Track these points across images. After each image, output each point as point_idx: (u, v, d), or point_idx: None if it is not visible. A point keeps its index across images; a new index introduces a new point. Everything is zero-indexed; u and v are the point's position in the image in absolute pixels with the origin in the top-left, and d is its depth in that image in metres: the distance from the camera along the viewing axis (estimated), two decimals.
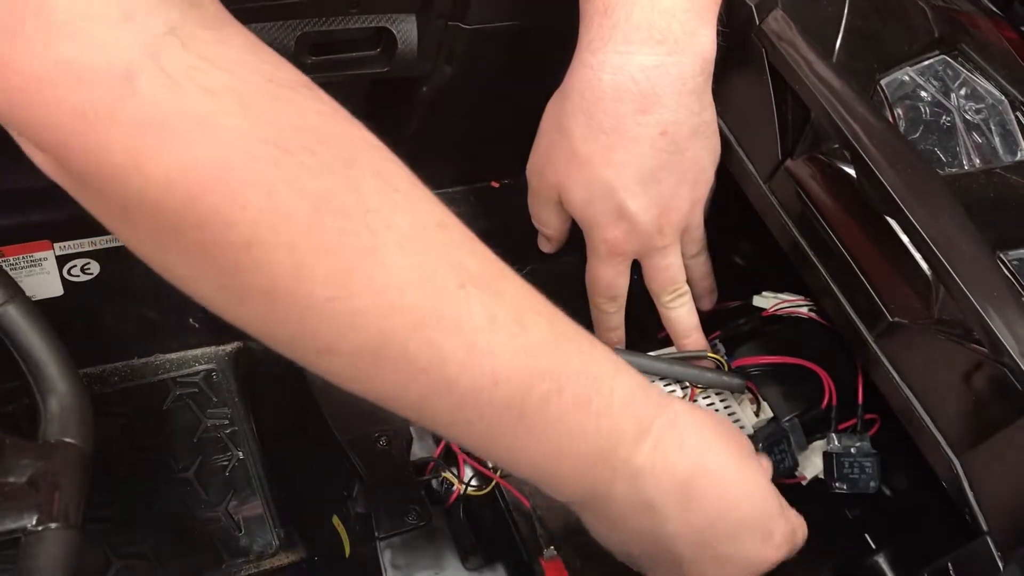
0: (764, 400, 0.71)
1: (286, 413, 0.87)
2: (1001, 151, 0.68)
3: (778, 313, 0.72)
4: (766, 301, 0.73)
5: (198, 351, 0.97)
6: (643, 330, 0.76)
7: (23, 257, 0.84)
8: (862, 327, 0.61)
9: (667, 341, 0.74)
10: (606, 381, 0.50)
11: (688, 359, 0.71)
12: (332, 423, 0.69)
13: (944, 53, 0.70)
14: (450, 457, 0.69)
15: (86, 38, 0.37)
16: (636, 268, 0.71)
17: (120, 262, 0.88)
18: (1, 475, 0.50)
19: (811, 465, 0.70)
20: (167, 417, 0.92)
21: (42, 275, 0.85)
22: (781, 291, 0.73)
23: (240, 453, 0.91)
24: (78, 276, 0.87)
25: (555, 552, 0.65)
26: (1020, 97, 0.69)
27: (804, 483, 0.70)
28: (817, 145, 0.64)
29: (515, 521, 0.67)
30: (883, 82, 0.67)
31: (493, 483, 0.67)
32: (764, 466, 0.60)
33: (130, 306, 0.92)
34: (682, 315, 0.72)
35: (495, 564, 0.67)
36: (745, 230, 0.76)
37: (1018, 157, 0.67)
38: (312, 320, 0.42)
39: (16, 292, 0.57)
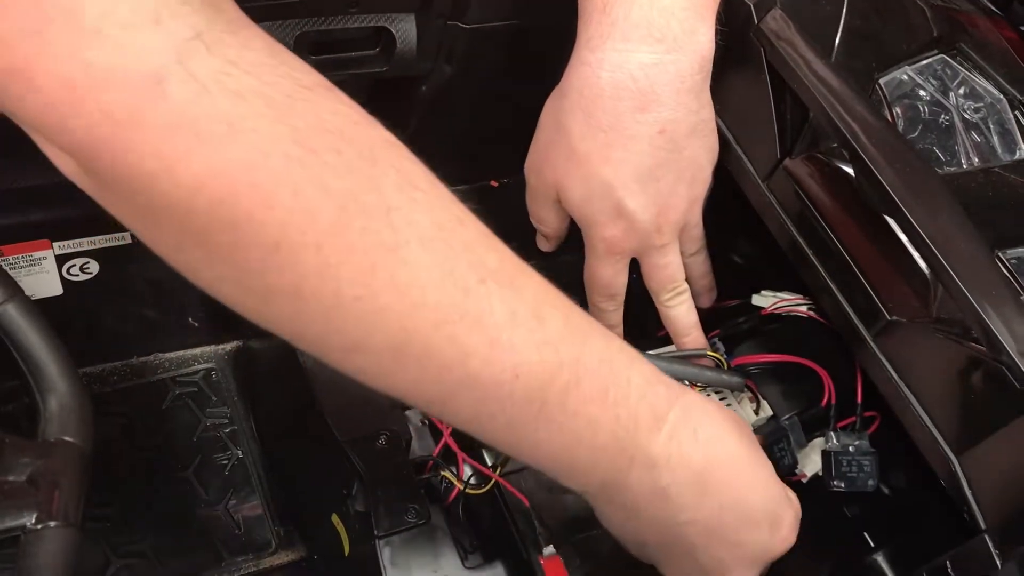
0: (764, 398, 0.71)
1: (285, 412, 0.87)
2: (1000, 150, 0.68)
3: (777, 312, 0.72)
4: (765, 300, 0.73)
5: (197, 350, 0.97)
6: (642, 329, 0.76)
7: (22, 256, 0.84)
8: (860, 326, 0.61)
9: (666, 340, 0.74)
10: (623, 372, 0.51)
11: (688, 357, 0.71)
12: (331, 422, 0.69)
13: (943, 52, 0.70)
14: (449, 456, 0.69)
15: (115, 42, 0.37)
16: (635, 267, 0.71)
17: (119, 262, 0.88)
18: (1, 473, 0.50)
19: (811, 463, 0.70)
20: (166, 416, 0.92)
21: (41, 274, 0.85)
22: (780, 290, 0.73)
23: (239, 452, 0.91)
24: (77, 275, 0.87)
25: (554, 550, 0.65)
26: (1019, 96, 0.69)
27: (804, 481, 0.70)
28: (816, 144, 0.64)
29: (514, 519, 0.67)
30: (882, 81, 0.67)
31: (492, 482, 0.67)
32: None
33: (129, 306, 0.92)
34: (681, 313, 0.72)
35: (494, 562, 0.67)
36: (744, 229, 0.76)
37: (1016, 156, 0.67)
38: (338, 319, 0.43)
39: (15, 291, 0.57)
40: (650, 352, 0.71)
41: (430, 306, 0.43)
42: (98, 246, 0.86)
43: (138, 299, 0.92)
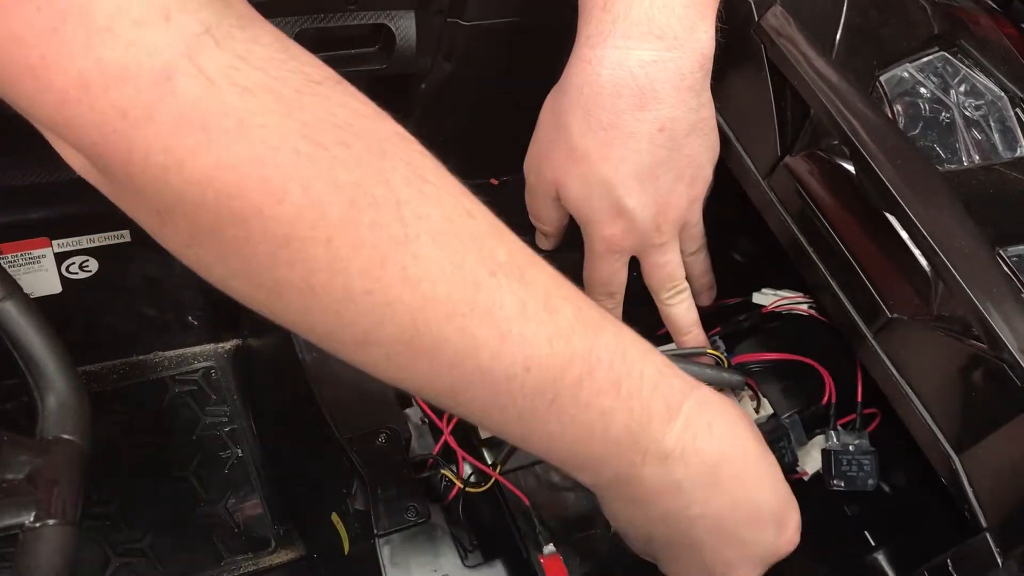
0: (764, 396, 0.71)
1: (285, 411, 0.86)
2: (1000, 147, 0.68)
3: (777, 310, 0.72)
4: (765, 298, 0.73)
5: (197, 349, 0.98)
6: (641, 327, 0.76)
7: (21, 254, 0.84)
8: (861, 324, 0.61)
9: (667, 338, 0.74)
10: (636, 364, 0.50)
11: (689, 356, 0.71)
12: (331, 420, 0.69)
13: (943, 49, 0.70)
14: (449, 454, 0.69)
15: (127, 39, 0.37)
16: (635, 265, 0.71)
17: (119, 260, 0.88)
18: None
19: (812, 461, 0.70)
20: (166, 415, 0.93)
21: (40, 272, 0.85)
22: (780, 288, 0.73)
23: (239, 451, 0.91)
24: (76, 273, 0.87)
25: (554, 549, 0.65)
26: (1020, 94, 0.69)
27: (806, 479, 0.70)
28: (816, 142, 0.64)
29: (514, 518, 0.67)
30: (882, 78, 0.66)
31: (492, 480, 0.67)
32: None
33: (129, 304, 0.92)
34: (681, 312, 0.72)
35: (494, 561, 0.67)
36: (744, 227, 0.76)
37: (1017, 153, 0.67)
38: (349, 312, 0.43)
39: (14, 289, 0.57)
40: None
41: (440, 299, 0.43)
42: (97, 244, 0.86)
43: (137, 297, 0.92)
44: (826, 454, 0.68)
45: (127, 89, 0.38)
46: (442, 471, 0.67)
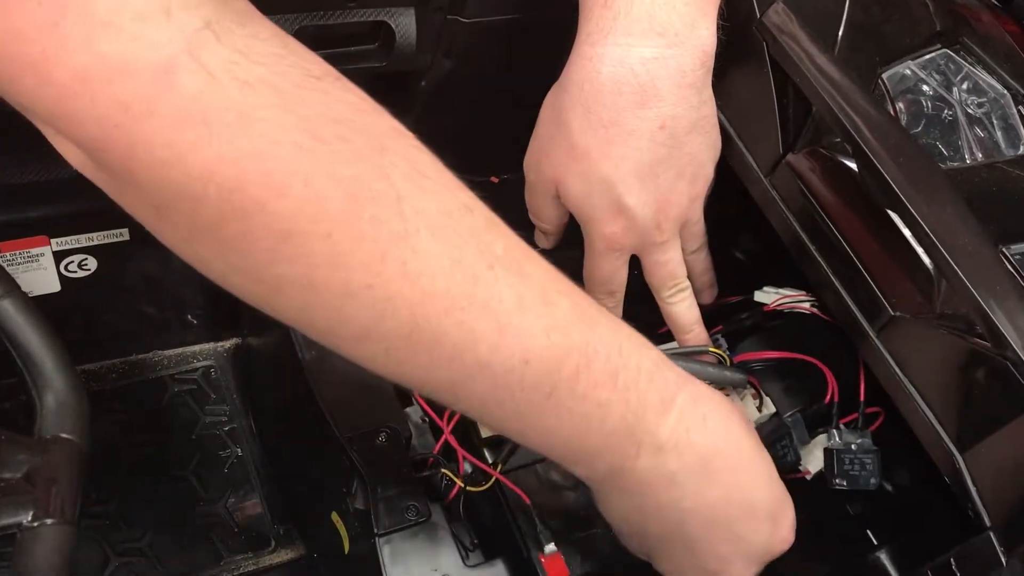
0: (766, 395, 0.70)
1: (285, 410, 0.86)
2: (1003, 145, 0.67)
3: (779, 308, 0.72)
4: (767, 296, 0.73)
5: (196, 348, 0.97)
6: (642, 326, 0.75)
7: (20, 253, 0.83)
8: (864, 322, 0.60)
9: (667, 337, 0.74)
10: (632, 356, 0.51)
11: (691, 354, 0.71)
12: (331, 419, 0.69)
13: (946, 47, 0.69)
14: (450, 453, 0.68)
15: (127, 33, 0.37)
16: (635, 263, 0.71)
17: (118, 258, 0.88)
18: None
19: (814, 460, 0.69)
20: (165, 414, 0.92)
21: (39, 271, 0.85)
22: (782, 286, 0.73)
23: (239, 450, 0.91)
24: (75, 272, 0.87)
25: (555, 548, 0.65)
26: (1022, 91, 0.69)
27: (808, 477, 0.70)
28: (818, 139, 0.64)
29: (515, 517, 0.67)
30: (884, 76, 0.66)
31: (493, 479, 0.67)
32: None
33: (128, 302, 0.92)
34: (682, 310, 0.71)
35: (495, 560, 0.67)
36: (746, 224, 0.76)
37: (1020, 151, 0.67)
38: (349, 307, 0.43)
39: (12, 288, 0.57)
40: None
41: (440, 293, 0.44)
42: (96, 243, 0.86)
43: (137, 296, 0.92)
44: (828, 453, 0.67)
45: (128, 83, 0.38)
46: (443, 470, 0.67)
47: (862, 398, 0.68)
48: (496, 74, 0.79)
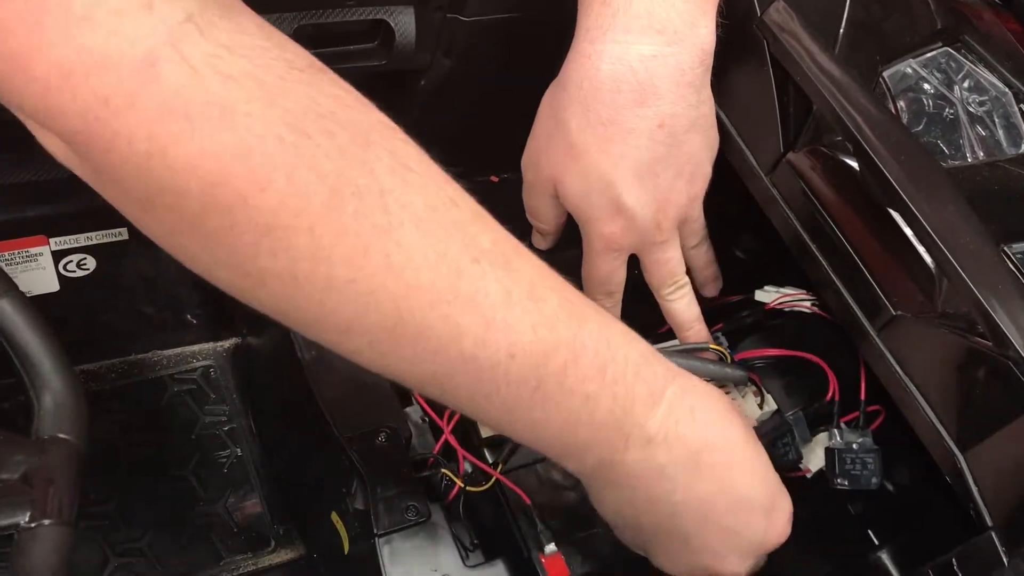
0: (767, 393, 0.70)
1: (284, 409, 0.86)
2: (1005, 144, 0.67)
3: (780, 307, 0.72)
4: (768, 295, 0.73)
5: (196, 347, 0.97)
6: (642, 325, 0.75)
7: (18, 252, 0.83)
8: (865, 321, 0.60)
9: (667, 336, 0.74)
10: (620, 350, 0.51)
11: (691, 351, 0.70)
12: (331, 419, 0.69)
13: (947, 45, 0.69)
14: (450, 453, 0.68)
15: (108, 26, 0.37)
16: (634, 262, 0.70)
17: (116, 258, 0.88)
18: None
19: (815, 458, 0.69)
20: (165, 414, 0.92)
21: (38, 271, 0.84)
22: (783, 285, 0.73)
23: (238, 450, 0.91)
24: (74, 272, 0.86)
25: (555, 548, 0.65)
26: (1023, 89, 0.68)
27: (808, 476, 0.70)
28: (819, 137, 0.64)
29: (515, 517, 0.66)
30: (885, 74, 0.66)
31: (493, 479, 0.67)
32: None
33: (127, 302, 0.92)
34: (682, 307, 0.71)
35: (495, 561, 0.66)
36: (746, 223, 0.75)
37: (1022, 150, 0.67)
38: (332, 301, 0.43)
39: (10, 287, 0.56)
40: (657, 346, 0.70)
41: (424, 287, 0.44)
42: (95, 242, 0.86)
43: (136, 296, 0.91)
44: (829, 452, 0.67)
45: (108, 77, 0.38)
46: (442, 470, 0.67)
47: (863, 396, 0.67)
48: (496, 73, 0.79)
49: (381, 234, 0.42)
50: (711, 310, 0.74)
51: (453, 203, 0.46)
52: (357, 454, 0.66)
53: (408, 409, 0.72)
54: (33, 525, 0.49)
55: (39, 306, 0.58)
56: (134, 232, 0.86)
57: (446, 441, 0.68)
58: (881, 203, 0.58)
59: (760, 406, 0.70)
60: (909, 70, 0.68)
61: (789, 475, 0.67)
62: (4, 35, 0.37)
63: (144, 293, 0.91)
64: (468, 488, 0.67)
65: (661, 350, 0.69)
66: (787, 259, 0.67)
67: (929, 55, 0.69)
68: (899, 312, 0.58)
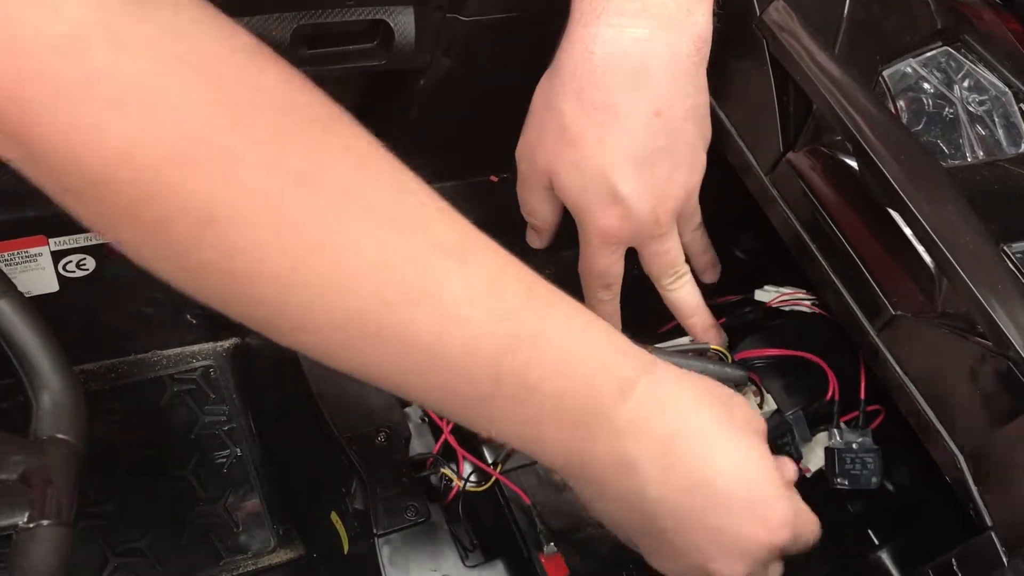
0: (767, 392, 0.70)
1: (284, 410, 0.86)
2: (1005, 143, 0.67)
3: (780, 307, 0.72)
4: (767, 295, 0.73)
5: (195, 347, 0.97)
6: (641, 322, 0.75)
7: (18, 253, 0.83)
8: (865, 321, 0.60)
9: (667, 336, 0.74)
10: (587, 343, 0.49)
11: (690, 351, 0.70)
12: (330, 419, 0.69)
13: (947, 44, 0.69)
14: (449, 453, 0.68)
15: (34, 4, 0.35)
16: (634, 259, 0.70)
17: (116, 258, 0.88)
18: None
19: (815, 458, 0.69)
20: (164, 414, 0.92)
21: (37, 271, 0.84)
22: (783, 285, 0.73)
23: (238, 450, 0.91)
24: (74, 272, 0.86)
25: (555, 548, 0.64)
26: (1023, 89, 0.68)
27: (808, 475, 0.69)
28: (819, 137, 0.64)
29: (515, 517, 0.66)
30: (885, 74, 0.66)
31: (492, 479, 0.67)
32: (787, 466, 0.57)
33: (127, 302, 0.92)
34: (684, 295, 0.70)
35: (495, 561, 0.66)
36: (746, 223, 0.75)
37: (1022, 149, 0.67)
38: (277, 298, 0.41)
39: (8, 288, 0.56)
40: (657, 346, 0.70)
41: (378, 283, 0.42)
42: (94, 242, 0.86)
43: (135, 296, 0.91)
44: (829, 452, 0.67)
45: (34, 56, 0.35)
46: (442, 470, 0.67)
47: (863, 396, 0.67)
48: (495, 73, 0.79)
49: (326, 227, 0.40)
50: (711, 310, 0.74)
51: (412, 195, 0.44)
52: (357, 454, 0.66)
53: (408, 409, 0.72)
54: (32, 525, 0.49)
55: (39, 306, 0.58)
56: None
57: (446, 441, 0.68)
58: (881, 203, 0.58)
59: (760, 406, 0.70)
60: (909, 70, 0.68)
61: None
62: None
63: (144, 293, 0.91)
64: (468, 488, 0.67)
65: (661, 350, 0.69)
66: (787, 259, 0.67)
67: (929, 55, 0.69)
68: (899, 312, 0.58)
